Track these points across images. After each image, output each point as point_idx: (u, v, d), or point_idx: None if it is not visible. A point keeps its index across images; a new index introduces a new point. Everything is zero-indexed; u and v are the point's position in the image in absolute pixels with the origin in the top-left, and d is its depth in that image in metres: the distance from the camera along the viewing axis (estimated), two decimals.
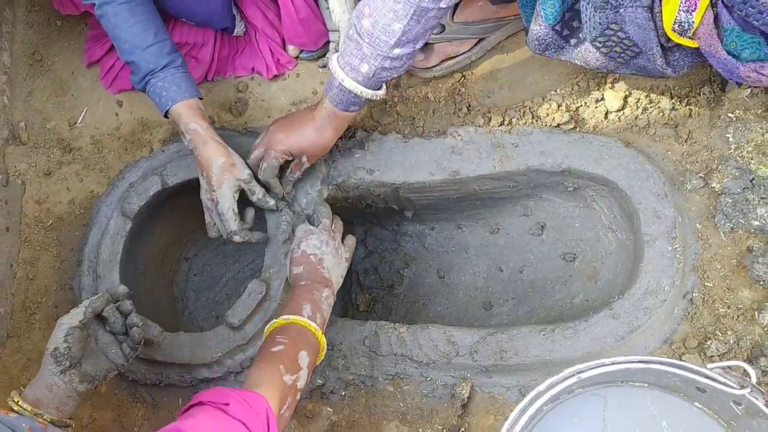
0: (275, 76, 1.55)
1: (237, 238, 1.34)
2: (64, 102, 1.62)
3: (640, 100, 1.38)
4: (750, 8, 0.97)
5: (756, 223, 1.26)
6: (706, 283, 1.26)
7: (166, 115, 1.33)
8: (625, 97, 1.38)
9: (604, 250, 1.42)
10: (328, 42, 1.48)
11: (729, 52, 1.04)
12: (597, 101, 1.39)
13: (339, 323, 1.35)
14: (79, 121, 1.60)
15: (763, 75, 1.03)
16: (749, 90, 1.32)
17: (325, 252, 1.28)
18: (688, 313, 1.26)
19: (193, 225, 1.72)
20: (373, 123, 1.47)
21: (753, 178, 1.28)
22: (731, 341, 1.23)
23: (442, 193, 1.45)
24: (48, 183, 1.56)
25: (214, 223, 1.36)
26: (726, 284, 1.26)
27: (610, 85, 1.39)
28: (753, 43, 1.02)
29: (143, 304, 1.47)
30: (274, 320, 1.12)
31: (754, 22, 0.99)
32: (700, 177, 1.31)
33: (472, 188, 1.43)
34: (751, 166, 1.30)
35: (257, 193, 1.34)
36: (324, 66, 1.51)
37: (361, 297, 1.64)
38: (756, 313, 1.23)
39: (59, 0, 1.58)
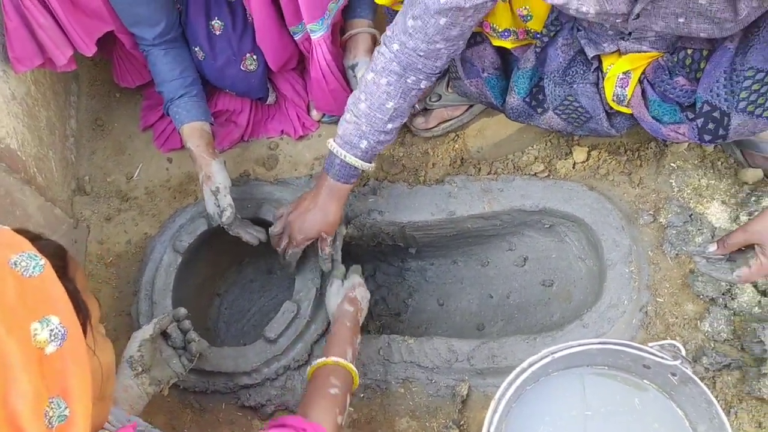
0: (301, 137, 1.87)
1: (231, 232, 1.62)
2: (122, 160, 1.92)
3: (601, 154, 1.69)
4: (667, 85, 1.29)
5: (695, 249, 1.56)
6: (657, 299, 1.55)
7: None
8: (589, 151, 1.70)
9: (576, 276, 1.71)
10: None
11: (654, 117, 1.35)
12: (566, 154, 1.71)
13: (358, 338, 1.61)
14: (135, 176, 1.89)
15: (680, 134, 1.34)
16: (687, 144, 1.66)
17: (364, 305, 1.53)
18: (644, 323, 1.54)
19: (225, 265, 2.01)
20: (384, 174, 1.78)
21: (692, 214, 1.59)
22: (684, 353, 1.51)
23: (440, 231, 1.74)
24: (108, 227, 1.84)
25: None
26: (674, 299, 1.55)
27: (576, 141, 1.72)
28: (671, 111, 1.32)
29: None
30: (326, 358, 1.33)
31: (670, 95, 1.31)
32: (650, 214, 1.62)
33: (466, 227, 1.73)
34: (690, 204, 1.61)
35: (221, 204, 1.57)
36: None
37: (372, 324, 1.90)
38: (698, 322, 1.51)
39: (119, 74, 1.89)
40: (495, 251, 1.83)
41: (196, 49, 1.70)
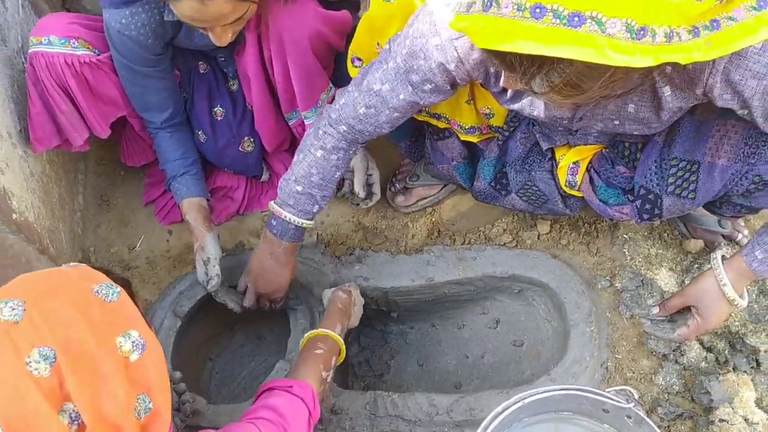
0: None
1: (217, 299, 1.81)
2: (125, 232, 2.07)
3: (562, 226, 1.90)
4: (610, 173, 1.52)
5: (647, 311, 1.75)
6: (616, 355, 1.72)
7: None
8: (551, 224, 1.91)
9: (543, 336, 1.88)
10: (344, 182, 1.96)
11: (601, 200, 1.57)
12: (531, 227, 1.91)
13: (346, 394, 1.74)
14: (137, 247, 2.04)
15: (623, 213, 1.55)
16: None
17: (357, 303, 1.74)
18: (605, 377, 1.70)
19: (217, 330, 2.14)
20: (368, 244, 1.96)
21: (643, 279, 1.78)
22: (636, 398, 1.68)
23: (420, 296, 1.91)
24: None
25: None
26: (631, 356, 1.72)
27: (540, 215, 1.93)
28: (615, 194, 1.55)
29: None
30: (317, 330, 1.54)
31: (613, 181, 1.54)
32: (607, 279, 1.82)
33: (443, 292, 1.90)
34: (642, 271, 1.81)
35: (209, 273, 1.77)
36: (344, 196, 1.96)
37: (357, 384, 2.04)
38: (653, 376, 1.69)
39: (126, 154, 2.07)
40: (470, 315, 2.00)
41: (199, 132, 1.90)
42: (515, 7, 0.88)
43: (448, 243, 1.92)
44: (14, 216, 1.65)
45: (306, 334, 1.56)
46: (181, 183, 1.84)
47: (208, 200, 1.88)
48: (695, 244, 1.81)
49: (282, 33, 1.60)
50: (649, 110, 1.26)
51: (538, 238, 1.90)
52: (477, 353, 1.97)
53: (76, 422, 0.87)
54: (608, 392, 1.34)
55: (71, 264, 1.03)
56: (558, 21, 0.86)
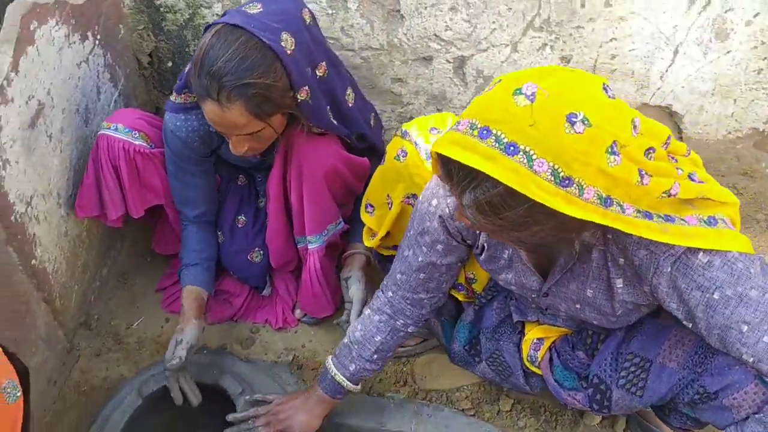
0: (280, 328, 2.16)
1: (166, 382, 1.87)
2: (131, 310, 2.24)
3: (524, 408, 1.90)
4: (568, 356, 1.57)
5: None
6: None
7: None
8: (513, 404, 1.91)
9: None
10: (333, 314, 2.10)
11: (557, 381, 1.60)
12: (494, 401, 1.92)
13: None
14: (134, 325, 2.20)
15: (576, 400, 1.56)
16: (599, 419, 1.85)
17: None
18: None
19: (177, 425, 2.15)
20: None
21: None
22: None
23: None
24: (95, 361, 2.09)
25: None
26: None
27: (505, 393, 1.93)
28: (571, 378, 1.58)
29: None
30: None
31: (570, 364, 1.58)
32: None
33: None
34: None
35: (176, 353, 1.82)
36: (338, 324, 1.99)
37: None
38: None
39: (158, 241, 2.28)
40: None
41: (219, 233, 2.11)
42: (469, 126, 1.04)
43: (410, 394, 1.95)
44: (33, 261, 1.86)
45: None
46: (190, 271, 2.02)
47: (209, 294, 2.04)
48: None
49: (302, 162, 1.82)
50: (605, 298, 1.35)
51: (498, 414, 1.90)
52: None
53: None
54: None
55: None
56: (497, 145, 1.00)
